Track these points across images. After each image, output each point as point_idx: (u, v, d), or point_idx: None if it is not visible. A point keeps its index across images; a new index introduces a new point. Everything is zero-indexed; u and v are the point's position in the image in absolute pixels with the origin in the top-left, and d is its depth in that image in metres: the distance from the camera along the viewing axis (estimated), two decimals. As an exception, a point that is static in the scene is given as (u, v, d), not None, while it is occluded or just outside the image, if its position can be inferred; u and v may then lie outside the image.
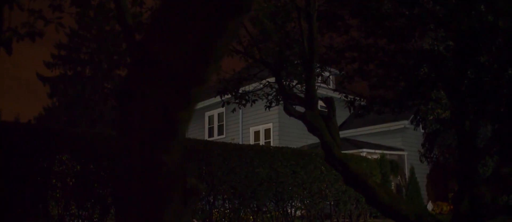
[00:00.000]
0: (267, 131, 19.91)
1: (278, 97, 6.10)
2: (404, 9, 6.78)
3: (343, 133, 21.11)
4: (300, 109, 5.75)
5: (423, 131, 18.94)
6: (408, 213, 5.32)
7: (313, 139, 20.13)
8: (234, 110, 6.38)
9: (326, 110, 6.43)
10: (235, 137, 20.81)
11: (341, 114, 20.84)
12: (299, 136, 18.97)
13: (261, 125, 20.00)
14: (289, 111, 5.45)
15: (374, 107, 6.50)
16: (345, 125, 21.76)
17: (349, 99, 6.40)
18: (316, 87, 7.76)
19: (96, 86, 31.81)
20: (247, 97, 6.04)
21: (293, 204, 11.61)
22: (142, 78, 1.15)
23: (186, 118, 1.25)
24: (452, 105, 6.43)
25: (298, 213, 12.23)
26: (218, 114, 22.15)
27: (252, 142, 20.06)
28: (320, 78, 7.76)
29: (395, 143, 19.35)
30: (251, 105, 6.06)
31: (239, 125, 20.96)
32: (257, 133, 20.32)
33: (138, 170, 1.27)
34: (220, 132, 22.14)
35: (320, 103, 6.13)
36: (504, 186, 6.07)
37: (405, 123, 18.77)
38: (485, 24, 6.26)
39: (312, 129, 5.24)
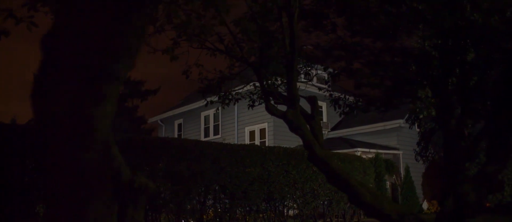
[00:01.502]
0: (262, 131, 19.90)
1: (263, 96, 6.07)
2: (390, 7, 6.75)
3: (339, 132, 21.10)
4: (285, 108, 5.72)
5: (418, 130, 18.91)
6: (391, 212, 5.29)
7: (309, 139, 20.10)
8: (217, 109, 6.35)
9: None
10: (231, 136, 20.79)
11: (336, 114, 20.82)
12: (294, 136, 18.94)
13: (257, 124, 19.98)
14: (271, 110, 5.43)
15: (359, 105, 6.47)
16: (341, 125, 21.74)
17: (333, 97, 6.36)
18: (306, 85, 7.75)
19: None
20: (230, 96, 6.01)
21: (285, 203, 11.58)
22: (52, 77, 1.12)
23: (103, 114, 1.23)
24: (438, 104, 6.41)
25: (291, 212, 12.20)
26: (214, 114, 22.13)
27: (247, 141, 20.04)
28: (314, 77, 7.74)
29: (391, 142, 19.32)
30: (234, 104, 6.03)
31: (234, 125, 20.94)
32: (252, 133, 20.30)
33: (59, 169, 1.25)
34: (216, 132, 22.12)
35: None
36: (489, 185, 6.04)
37: (400, 122, 18.75)
38: (471, 22, 6.24)
39: (294, 128, 5.22)
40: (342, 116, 6.47)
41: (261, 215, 11.13)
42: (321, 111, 21.04)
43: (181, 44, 5.31)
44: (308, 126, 5.65)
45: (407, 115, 18.56)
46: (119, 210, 2.00)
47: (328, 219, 12.89)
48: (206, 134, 22.72)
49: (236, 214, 10.69)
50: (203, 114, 22.77)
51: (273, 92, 5.92)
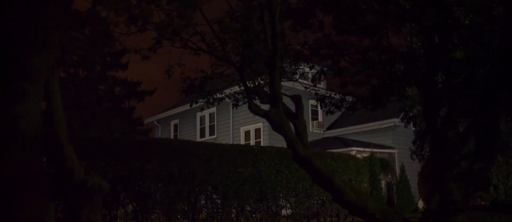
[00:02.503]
0: (257, 131, 19.85)
1: (246, 95, 6.03)
2: (377, 5, 6.72)
3: (334, 132, 21.07)
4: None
5: (413, 128, 18.86)
6: (375, 210, 5.26)
7: (304, 138, 20.06)
8: (202, 109, 6.32)
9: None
10: (226, 137, 20.74)
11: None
12: (290, 135, 18.87)
13: (251, 124, 19.94)
14: (253, 109, 5.39)
15: (346, 104, 6.43)
16: (336, 124, 21.71)
17: (319, 96, 6.32)
18: (294, 84, 7.70)
19: (89, 88, 31.70)
20: (214, 96, 5.97)
21: (278, 203, 11.53)
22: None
23: (27, 113, 1.19)
24: (425, 101, 6.38)
25: (284, 212, 12.16)
26: (209, 114, 22.10)
27: (242, 141, 20.00)
28: (301, 75, 7.69)
29: (386, 141, 19.28)
30: (218, 104, 6.00)
31: (230, 125, 20.90)
32: (247, 133, 20.26)
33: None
34: (212, 133, 22.07)
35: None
36: (475, 182, 6.01)
37: (395, 121, 18.70)
38: (458, 21, 6.21)
39: (276, 127, 5.18)
40: (328, 114, 6.43)
41: (253, 215, 11.09)
42: (317, 111, 20.99)
43: (162, 43, 5.27)
44: (292, 125, 5.62)
45: (402, 114, 18.52)
46: (73, 210, 1.97)
47: (322, 219, 12.85)
48: (202, 134, 22.68)
49: (231, 214, 10.65)
50: (198, 114, 22.73)
51: (258, 92, 5.89)
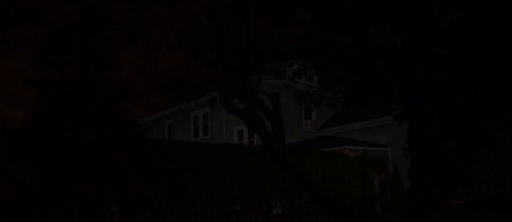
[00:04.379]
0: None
1: (221, 93, 5.96)
2: (359, 3, 6.66)
3: (328, 130, 21.00)
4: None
5: (407, 126, 18.80)
6: (352, 209, 5.20)
7: (298, 137, 19.99)
8: (179, 107, 6.25)
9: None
10: (220, 136, 20.66)
11: (327, 111, 20.69)
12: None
13: (245, 124, 19.86)
14: (228, 108, 5.33)
15: (324, 101, 6.36)
16: (330, 122, 21.64)
17: (298, 93, 6.26)
18: (274, 81, 7.63)
19: (84, 88, 31.59)
20: (190, 95, 5.91)
21: (268, 202, 11.47)
22: None
23: None
24: (404, 98, 6.31)
25: (275, 212, 12.09)
26: (203, 114, 22.02)
27: (236, 141, 19.92)
28: (283, 73, 7.62)
29: (380, 139, 19.21)
30: (195, 102, 5.93)
31: (223, 125, 20.82)
32: (241, 132, 20.19)
33: None
34: (205, 133, 21.99)
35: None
36: (455, 180, 5.95)
37: (389, 119, 18.64)
38: (436, 17, 6.15)
39: (251, 126, 5.13)
40: (307, 111, 6.36)
41: (246, 215, 11.02)
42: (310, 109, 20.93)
43: (138, 41, 5.21)
44: (270, 123, 5.56)
45: (396, 112, 18.45)
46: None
47: (314, 218, 12.79)
48: (196, 134, 22.60)
49: (221, 214, 10.59)
50: (192, 114, 22.65)
51: (236, 90, 5.83)
